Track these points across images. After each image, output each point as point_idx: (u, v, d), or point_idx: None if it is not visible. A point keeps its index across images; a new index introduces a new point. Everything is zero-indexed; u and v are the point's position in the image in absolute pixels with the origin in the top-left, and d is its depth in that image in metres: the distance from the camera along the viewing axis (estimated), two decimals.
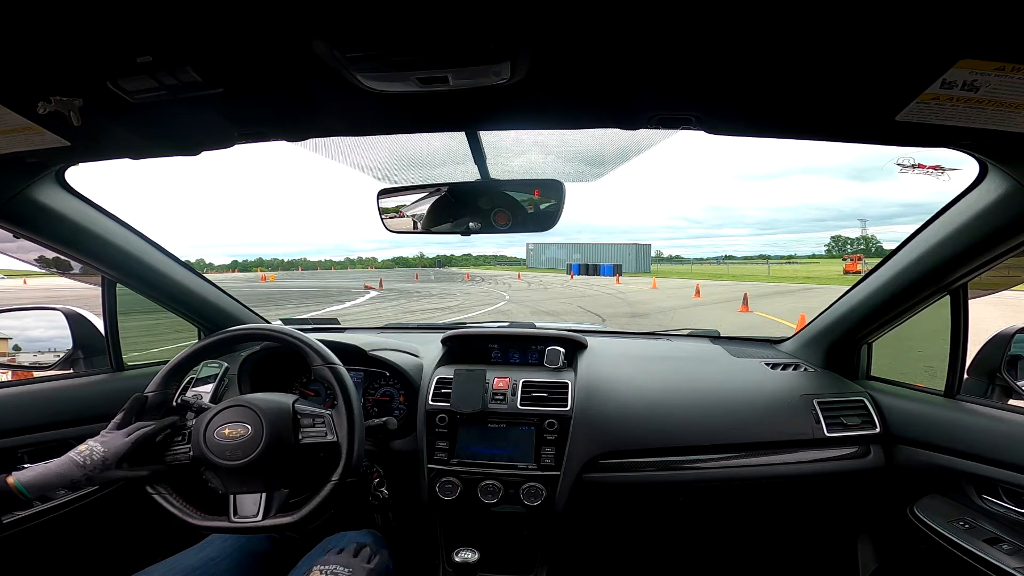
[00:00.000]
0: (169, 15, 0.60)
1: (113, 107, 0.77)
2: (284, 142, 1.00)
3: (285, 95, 0.83)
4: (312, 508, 1.06)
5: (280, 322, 2.09)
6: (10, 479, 0.93)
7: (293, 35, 0.64)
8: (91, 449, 1.01)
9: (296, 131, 0.98)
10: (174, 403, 1.22)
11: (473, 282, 30.68)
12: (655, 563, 1.72)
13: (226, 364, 1.56)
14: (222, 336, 1.24)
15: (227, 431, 1.07)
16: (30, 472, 0.95)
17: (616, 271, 39.50)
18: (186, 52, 0.68)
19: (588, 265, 44.90)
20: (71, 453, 1.00)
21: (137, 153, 1.03)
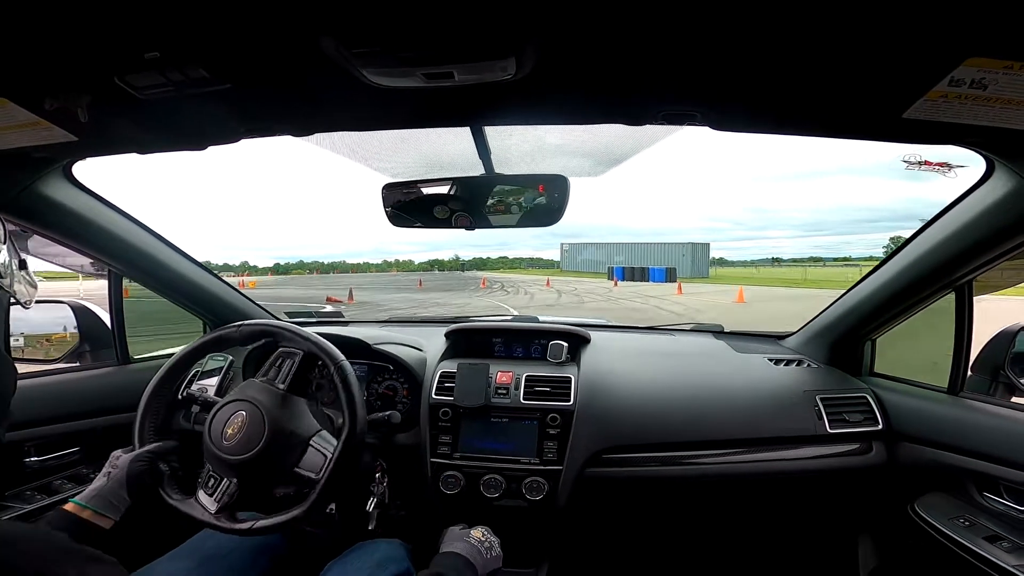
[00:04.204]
0: (177, 12, 0.60)
1: (121, 103, 0.78)
2: (290, 136, 1.01)
3: (291, 90, 0.84)
4: (306, 508, 1.06)
5: (285, 316, 2.10)
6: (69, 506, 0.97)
7: (300, 31, 0.65)
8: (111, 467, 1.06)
9: (302, 126, 0.98)
10: (179, 396, 1.23)
11: (488, 290, 25.79)
12: (657, 557, 1.73)
13: (231, 357, 1.56)
14: (225, 332, 1.25)
15: (230, 430, 1.08)
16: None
17: (670, 275, 32.91)
18: (194, 49, 0.68)
19: (634, 269, 37.94)
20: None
21: (143, 148, 1.03)
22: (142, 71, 0.71)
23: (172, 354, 1.24)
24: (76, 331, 1.57)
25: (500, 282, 33.60)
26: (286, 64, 0.74)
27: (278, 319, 1.92)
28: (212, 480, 1.08)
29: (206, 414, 1.14)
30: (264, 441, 1.06)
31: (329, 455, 1.09)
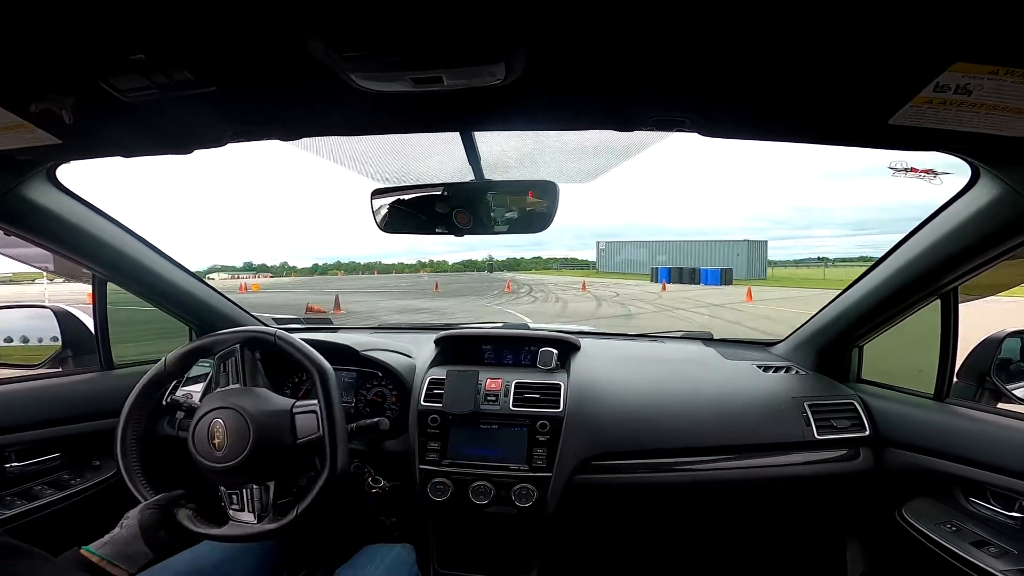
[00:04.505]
0: (163, 14, 0.60)
1: (105, 105, 0.77)
2: (277, 141, 1.00)
3: (279, 94, 0.83)
4: (302, 510, 1.05)
5: (274, 321, 2.08)
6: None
7: (287, 34, 0.64)
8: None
9: (289, 130, 0.98)
10: (164, 402, 1.22)
11: (513, 295, 22.16)
12: (647, 564, 1.72)
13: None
14: (213, 339, 1.23)
15: (216, 440, 1.07)
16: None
17: (725, 277, 29.62)
18: (180, 51, 0.67)
19: (682, 270, 33.27)
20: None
21: (129, 151, 1.02)
22: (126, 73, 0.70)
23: (156, 361, 1.22)
24: (59, 336, 1.55)
25: (528, 285, 29.54)
26: (273, 67, 0.73)
27: (266, 325, 1.90)
28: (233, 496, 1.06)
29: (190, 420, 1.12)
30: (253, 436, 1.05)
31: (316, 411, 1.10)
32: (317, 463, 1.12)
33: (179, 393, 1.44)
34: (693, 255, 43.97)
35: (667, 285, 27.60)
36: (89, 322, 1.57)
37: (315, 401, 1.12)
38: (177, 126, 0.92)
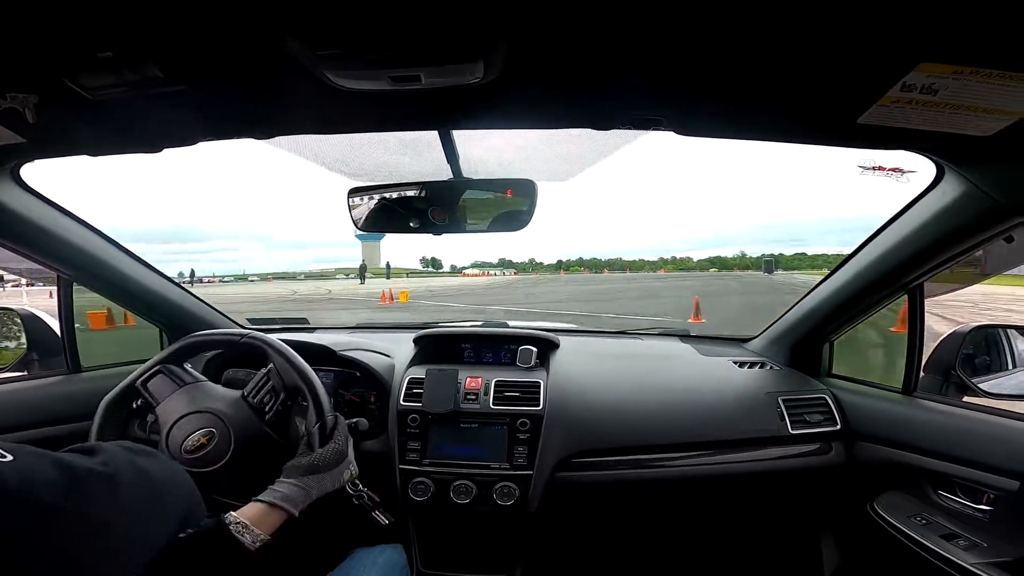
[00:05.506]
0: (132, 10, 0.58)
1: (71, 103, 0.75)
2: (252, 140, 0.98)
3: (252, 92, 0.82)
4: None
5: (248, 322, 2.04)
6: None
7: (261, 31, 0.63)
8: None
9: (263, 129, 0.96)
10: (134, 405, 1.19)
11: None
12: (629, 560, 1.74)
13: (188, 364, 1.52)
14: (185, 343, 1.23)
15: (193, 442, 1.05)
16: None
17: None
18: (149, 48, 0.65)
19: None
20: None
21: (95, 150, 1.00)
22: (94, 71, 0.68)
23: (126, 363, 1.19)
24: (23, 339, 1.50)
25: None
26: (247, 65, 0.72)
27: (242, 326, 1.87)
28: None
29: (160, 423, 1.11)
30: (232, 446, 1.05)
31: (269, 378, 1.17)
32: (300, 428, 1.14)
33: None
34: None
35: None
36: (55, 324, 1.53)
37: (263, 371, 1.17)
38: (146, 124, 0.89)
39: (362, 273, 45.63)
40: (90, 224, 1.37)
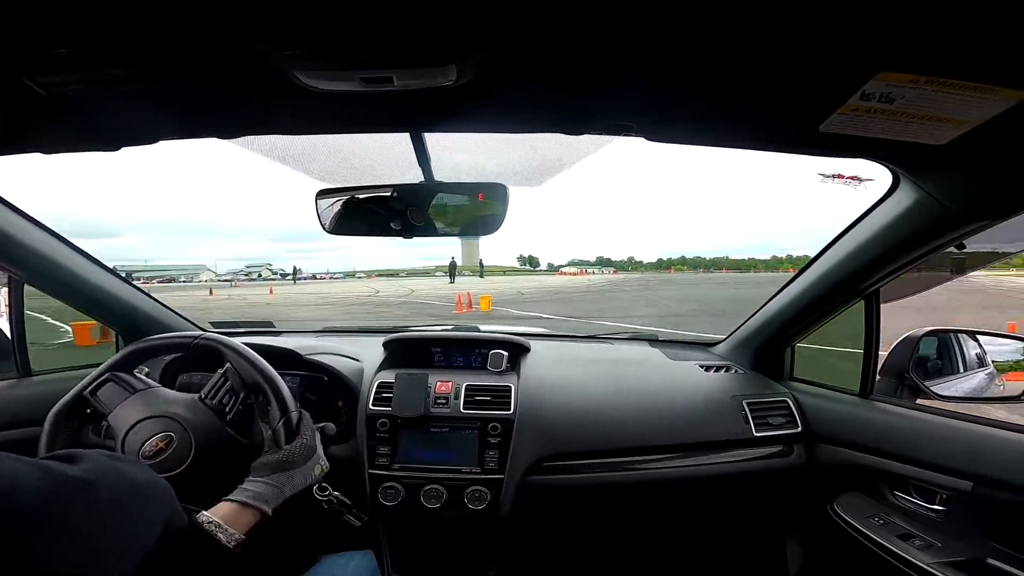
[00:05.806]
0: (90, 6, 0.56)
1: (23, 100, 0.71)
2: (215, 139, 0.96)
3: (216, 91, 0.79)
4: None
5: (210, 325, 1.98)
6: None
7: (227, 29, 0.61)
8: None
9: (228, 129, 0.93)
10: (87, 411, 1.14)
11: None
12: (600, 563, 1.75)
13: (146, 368, 1.46)
14: (141, 346, 1.19)
15: (151, 446, 1.02)
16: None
17: None
18: (108, 46, 0.63)
19: None
20: None
21: (49, 148, 0.95)
22: (49, 69, 0.65)
23: (78, 367, 1.14)
24: None
25: None
26: (212, 64, 0.69)
27: (204, 330, 1.81)
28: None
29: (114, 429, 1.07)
30: (192, 450, 1.02)
31: (227, 377, 1.14)
32: (264, 427, 1.10)
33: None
34: None
35: None
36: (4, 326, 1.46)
37: (219, 371, 1.14)
38: (104, 123, 0.86)
39: (452, 271, 42.69)
40: (43, 224, 1.32)
